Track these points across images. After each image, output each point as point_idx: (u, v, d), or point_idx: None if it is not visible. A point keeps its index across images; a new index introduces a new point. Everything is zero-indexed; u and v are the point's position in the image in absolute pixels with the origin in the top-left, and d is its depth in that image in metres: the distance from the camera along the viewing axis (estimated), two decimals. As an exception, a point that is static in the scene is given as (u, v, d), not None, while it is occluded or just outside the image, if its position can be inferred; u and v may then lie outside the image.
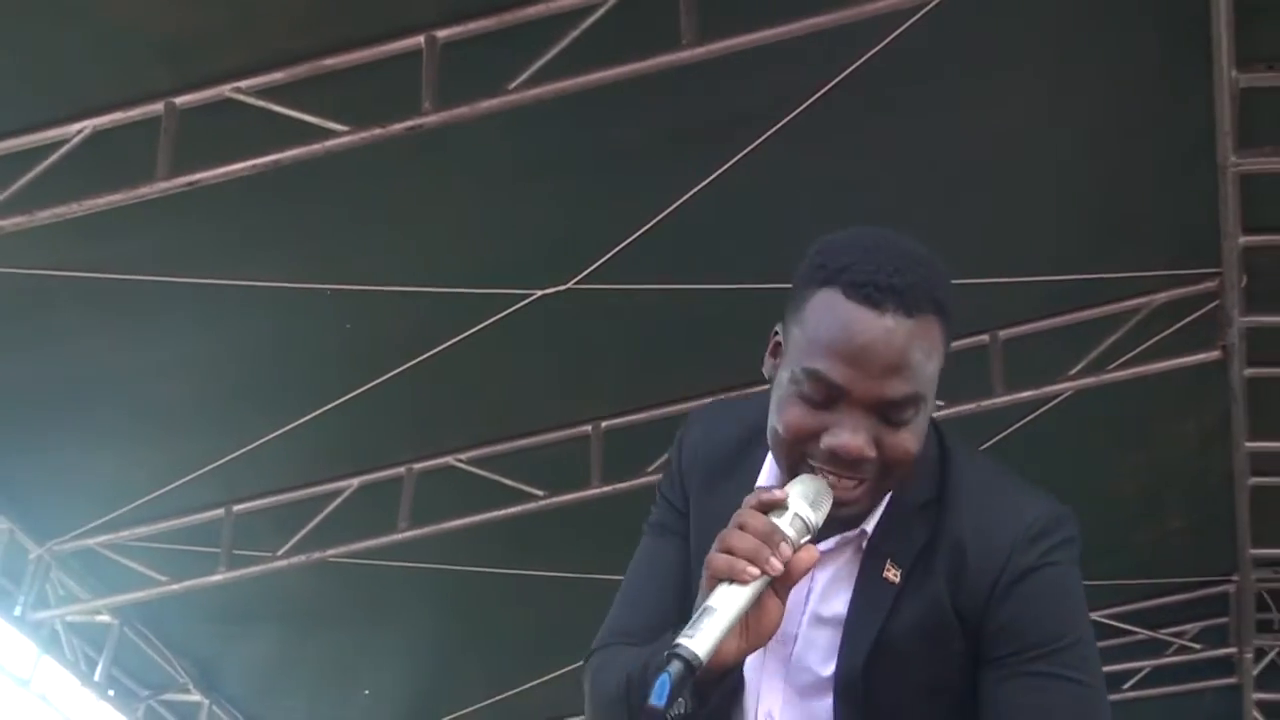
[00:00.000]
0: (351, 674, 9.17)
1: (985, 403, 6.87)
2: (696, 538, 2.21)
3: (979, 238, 6.34)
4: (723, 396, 2.45)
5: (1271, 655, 8.78)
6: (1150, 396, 7.16)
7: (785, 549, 1.90)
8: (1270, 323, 6.62)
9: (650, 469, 7.15)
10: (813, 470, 1.98)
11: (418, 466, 7.36)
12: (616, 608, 2.31)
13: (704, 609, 1.88)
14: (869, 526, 2.08)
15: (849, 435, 1.95)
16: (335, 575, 7.80)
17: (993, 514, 2.09)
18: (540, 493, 7.30)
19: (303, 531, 7.43)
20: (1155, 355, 6.82)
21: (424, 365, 6.55)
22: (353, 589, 8.08)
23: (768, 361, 2.10)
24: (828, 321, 1.97)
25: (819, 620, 2.11)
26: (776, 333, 2.10)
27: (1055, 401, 7.08)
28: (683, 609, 2.10)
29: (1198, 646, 9.09)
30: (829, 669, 2.09)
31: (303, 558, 7.48)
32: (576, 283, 6.26)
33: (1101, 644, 8.98)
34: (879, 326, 1.95)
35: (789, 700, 2.13)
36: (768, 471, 2.15)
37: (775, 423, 2.02)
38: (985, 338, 6.79)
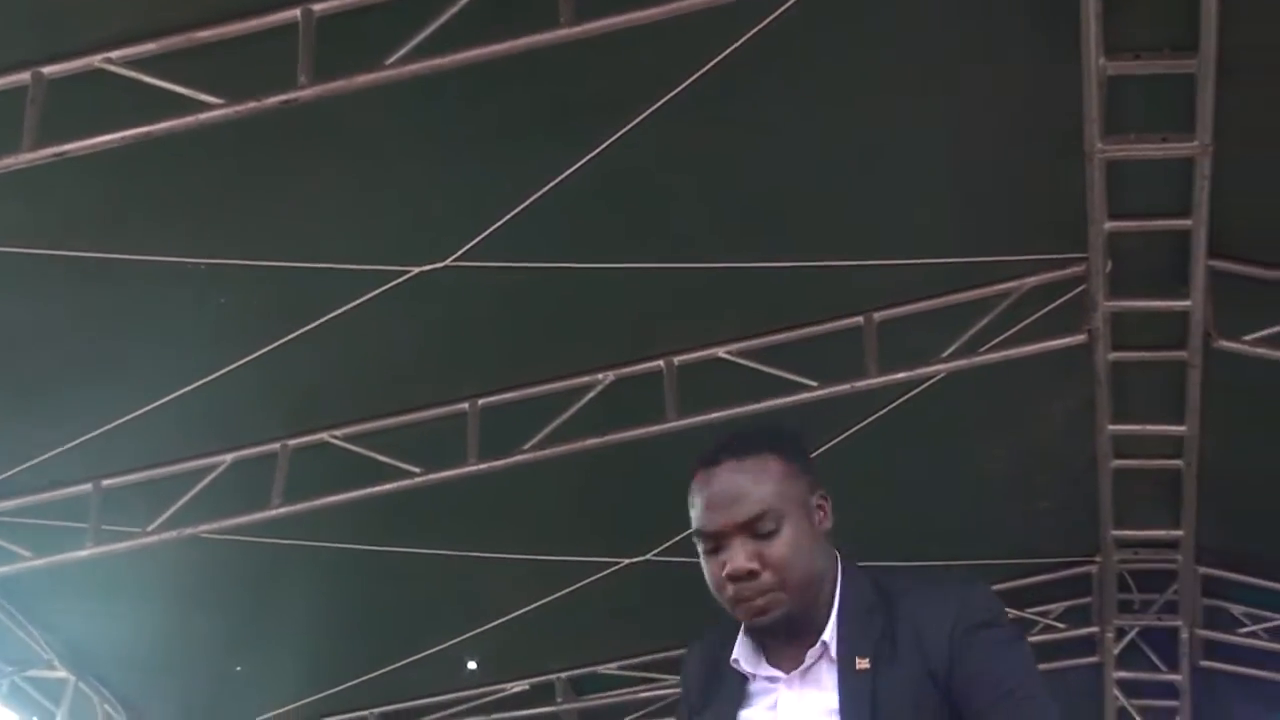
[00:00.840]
0: (225, 651, 9.09)
1: (859, 384, 6.95)
2: None
3: (854, 220, 6.42)
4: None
5: (1132, 634, 8.96)
6: (1020, 379, 7.27)
7: None
8: (1134, 307, 6.75)
9: (527, 446, 7.17)
10: (732, 603, 2.48)
11: (292, 443, 7.31)
12: None
13: None
14: (826, 638, 2.48)
15: (732, 559, 2.44)
16: (209, 552, 7.72)
17: (934, 595, 2.52)
18: (417, 470, 7.28)
19: (174, 507, 7.35)
20: (1025, 339, 6.91)
21: (300, 341, 6.50)
22: (226, 566, 8.01)
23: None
24: (693, 492, 2.52)
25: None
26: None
27: (928, 384, 7.16)
28: None
29: (1062, 626, 9.25)
30: None
31: (174, 534, 7.40)
32: (454, 260, 6.25)
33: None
34: (716, 475, 2.49)
35: None
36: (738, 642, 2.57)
37: (712, 586, 2.50)
38: (860, 320, 6.86)
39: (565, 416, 7.13)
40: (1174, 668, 8.93)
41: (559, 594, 8.35)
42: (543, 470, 7.36)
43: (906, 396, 7.22)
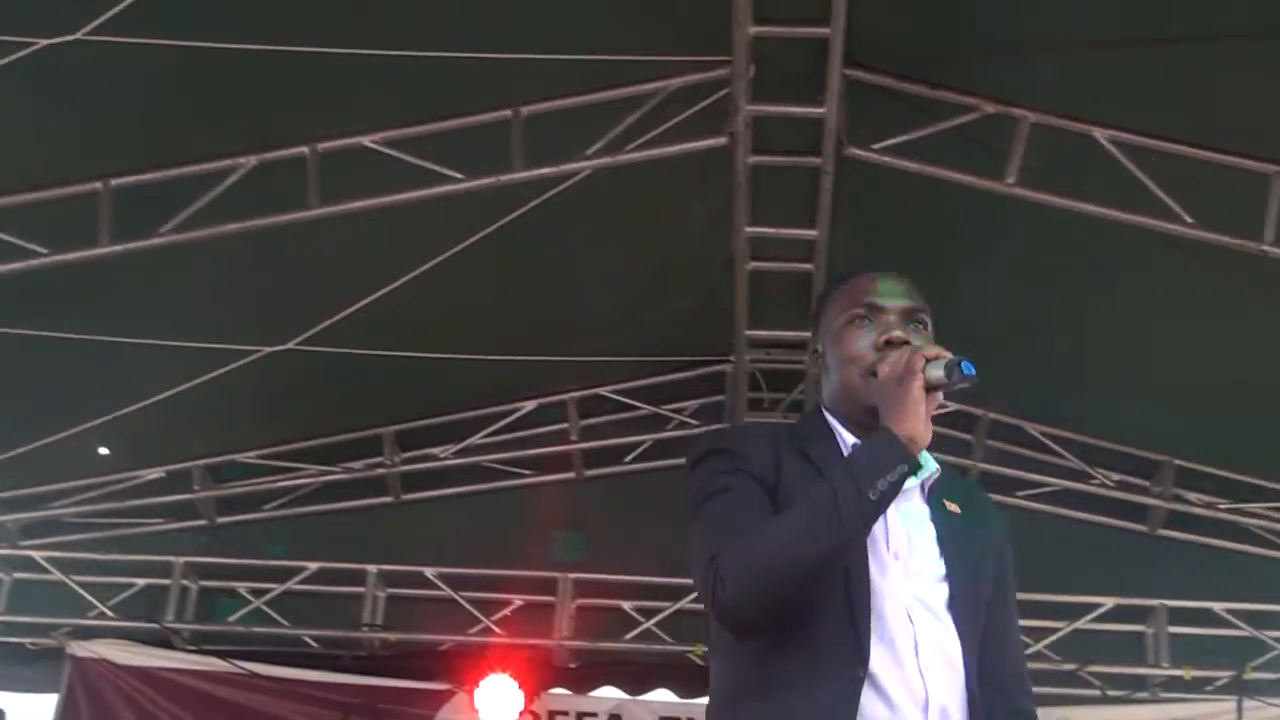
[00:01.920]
0: None
1: (505, 177, 6.97)
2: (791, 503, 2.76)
3: (503, 12, 6.38)
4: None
5: (761, 432, 9.32)
6: (663, 179, 7.40)
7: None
8: (773, 112, 6.91)
9: (164, 229, 6.99)
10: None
11: (-90, 217, 6.96)
12: (722, 531, 2.74)
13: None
14: (924, 479, 2.88)
15: (895, 328, 2.87)
16: None
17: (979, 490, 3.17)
18: (43, 250, 7.02)
19: None
20: (669, 139, 7.02)
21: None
22: None
23: (815, 366, 3.04)
24: (858, 282, 2.96)
25: (918, 547, 2.83)
26: (815, 350, 3.04)
27: (574, 180, 7.24)
28: None
29: (695, 423, 9.59)
30: (937, 577, 2.81)
31: None
32: (87, 33, 5.98)
33: (607, 418, 9.46)
34: (890, 275, 2.97)
35: (919, 609, 2.78)
36: (842, 435, 2.92)
37: (844, 359, 2.89)
38: (508, 113, 6.86)
39: (205, 200, 6.96)
40: (797, 464, 9.32)
41: (198, 381, 8.24)
42: (183, 255, 7.19)
43: (552, 192, 7.28)
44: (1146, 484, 9.26)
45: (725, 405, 9.47)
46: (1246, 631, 9.26)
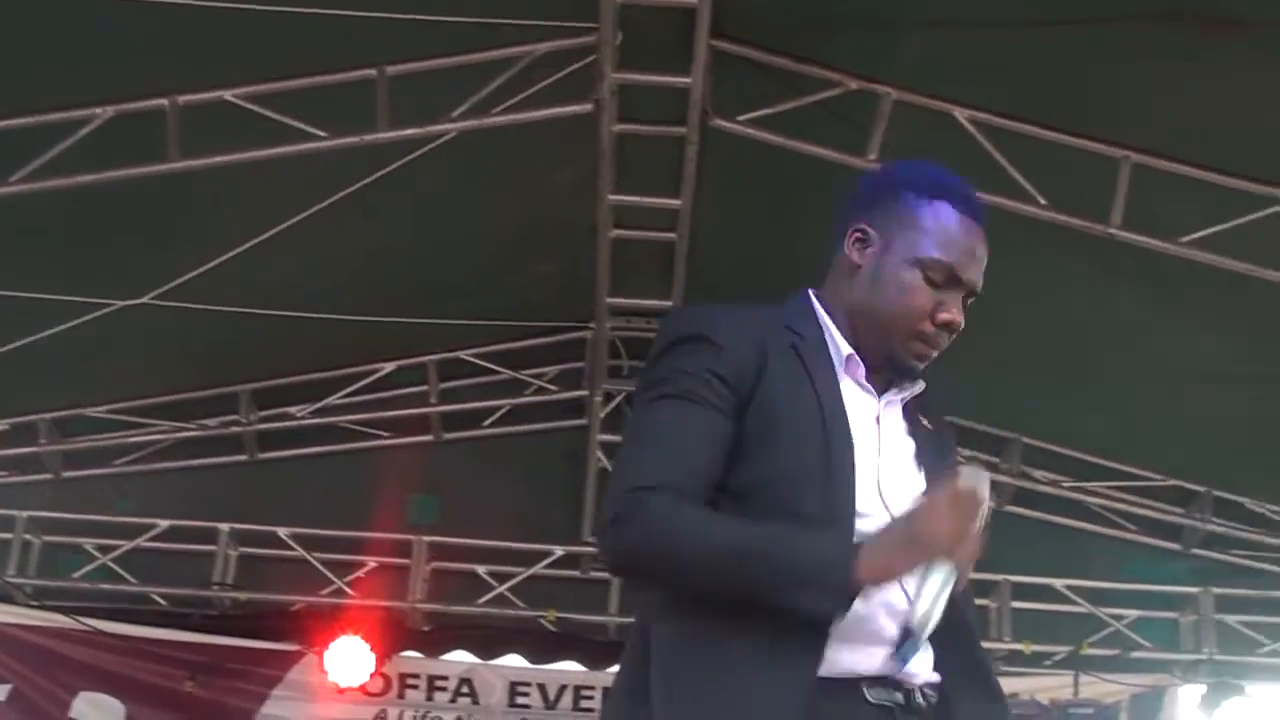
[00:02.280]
0: None
1: (369, 137, 6.92)
2: (774, 407, 2.57)
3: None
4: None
5: (618, 399, 9.37)
6: (528, 144, 7.38)
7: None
8: (640, 80, 6.94)
9: (15, 178, 6.84)
10: (918, 337, 2.67)
11: None
12: (661, 458, 2.52)
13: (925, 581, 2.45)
14: (907, 395, 2.74)
15: (959, 311, 2.69)
16: None
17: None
18: None
19: None
20: (535, 104, 7.01)
21: None
22: None
23: (853, 253, 2.74)
24: (951, 227, 2.69)
25: (900, 461, 2.68)
26: (859, 231, 2.74)
27: (439, 142, 7.20)
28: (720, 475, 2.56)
29: (554, 388, 9.61)
30: (916, 482, 2.66)
31: None
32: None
33: (467, 382, 9.44)
34: (979, 235, 2.73)
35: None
36: (842, 356, 2.70)
37: (895, 302, 2.67)
38: (372, 72, 6.80)
39: (58, 150, 6.82)
40: (654, 432, 9.38)
41: (48, 333, 8.08)
42: (35, 205, 7.05)
43: (416, 153, 7.23)
44: (996, 460, 9.42)
45: (585, 371, 9.49)
46: (1084, 608, 9.48)
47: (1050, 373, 8.33)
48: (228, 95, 6.84)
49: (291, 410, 9.63)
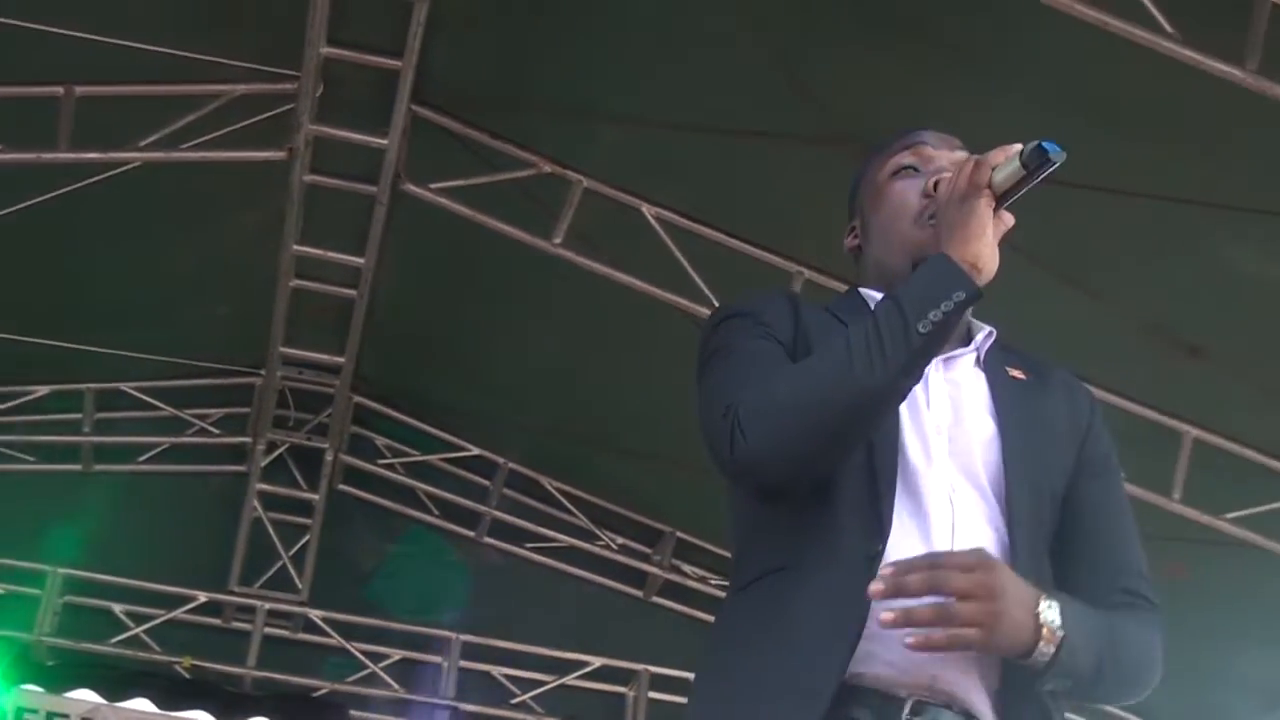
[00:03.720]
0: None
1: (47, 155, 6.74)
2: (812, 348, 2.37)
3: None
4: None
5: (281, 450, 9.23)
6: (217, 183, 7.29)
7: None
8: (336, 136, 6.92)
9: None
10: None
11: None
12: (745, 380, 2.30)
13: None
14: (978, 337, 2.45)
15: (947, 169, 2.38)
16: None
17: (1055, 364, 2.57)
18: None
19: None
20: (227, 144, 6.93)
21: None
22: None
23: (850, 238, 2.62)
24: (901, 137, 2.55)
25: (966, 414, 2.36)
26: (852, 226, 2.62)
27: (126, 169, 7.02)
28: None
29: (217, 431, 9.41)
30: (990, 455, 2.33)
31: None
32: None
33: (125, 415, 9.16)
34: (931, 130, 2.55)
35: (964, 488, 2.30)
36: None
37: (889, 211, 2.48)
38: (59, 90, 6.62)
39: None
40: (314, 488, 9.28)
41: None
42: None
43: (99, 177, 7.04)
44: (649, 551, 9.56)
45: (250, 418, 9.32)
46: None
47: (703, 470, 8.49)
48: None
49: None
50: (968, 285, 2.17)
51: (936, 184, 2.38)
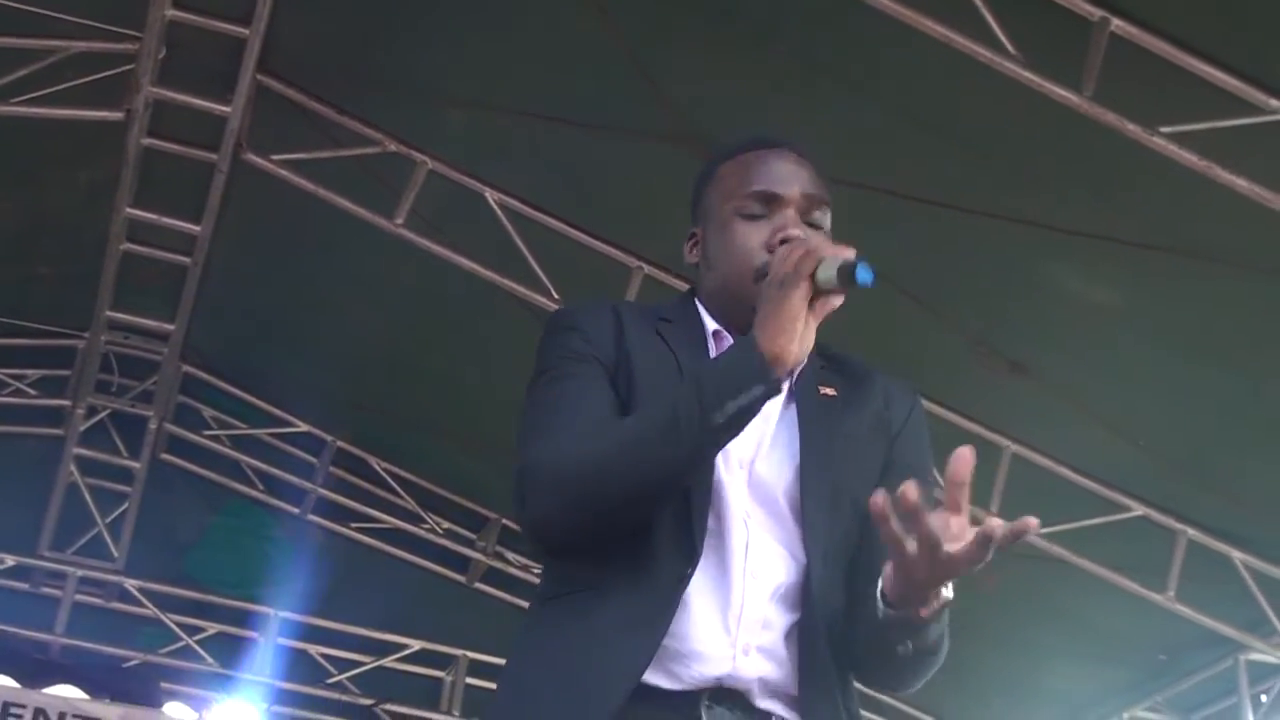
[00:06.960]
0: None
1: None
2: (634, 374, 2.42)
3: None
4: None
5: (102, 415, 9.05)
6: (52, 139, 7.13)
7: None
8: (177, 100, 6.80)
9: None
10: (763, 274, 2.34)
11: None
12: (558, 424, 2.35)
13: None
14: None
15: (789, 225, 2.42)
16: None
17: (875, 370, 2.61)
18: None
19: None
20: (62, 101, 6.78)
21: None
22: None
23: (691, 256, 2.59)
24: (749, 163, 2.52)
25: (772, 446, 2.41)
26: (693, 234, 2.59)
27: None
28: None
29: (34, 393, 9.16)
30: (789, 477, 2.39)
31: None
32: None
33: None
34: (783, 153, 2.52)
35: (759, 514, 2.37)
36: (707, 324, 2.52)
37: (731, 257, 2.46)
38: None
39: None
40: (135, 455, 9.11)
41: None
42: None
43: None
44: (474, 537, 9.54)
45: (70, 381, 9.10)
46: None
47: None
48: None
49: None
50: (768, 380, 2.24)
51: (782, 240, 2.41)
